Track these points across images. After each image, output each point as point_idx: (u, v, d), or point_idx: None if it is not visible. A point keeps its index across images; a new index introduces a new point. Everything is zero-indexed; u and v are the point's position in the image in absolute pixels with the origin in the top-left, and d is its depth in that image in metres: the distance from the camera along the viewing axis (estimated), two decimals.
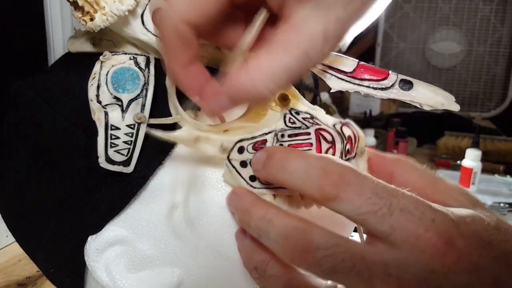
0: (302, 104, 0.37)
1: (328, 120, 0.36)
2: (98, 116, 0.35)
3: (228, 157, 0.34)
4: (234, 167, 0.34)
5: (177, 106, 0.35)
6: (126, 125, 0.35)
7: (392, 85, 0.37)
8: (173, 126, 0.35)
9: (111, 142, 0.34)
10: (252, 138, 0.34)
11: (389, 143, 1.51)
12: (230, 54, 0.33)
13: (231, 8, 0.31)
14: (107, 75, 0.35)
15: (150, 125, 0.35)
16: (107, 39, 0.39)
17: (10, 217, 0.43)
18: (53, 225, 0.38)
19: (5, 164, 0.41)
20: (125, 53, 0.37)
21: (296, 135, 0.34)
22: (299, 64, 0.29)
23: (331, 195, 0.29)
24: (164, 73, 0.35)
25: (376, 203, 0.28)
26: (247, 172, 0.34)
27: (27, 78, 0.40)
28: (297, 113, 0.35)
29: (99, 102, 0.35)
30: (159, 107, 0.35)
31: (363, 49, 1.98)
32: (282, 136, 0.34)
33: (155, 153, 0.36)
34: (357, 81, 0.38)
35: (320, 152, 0.34)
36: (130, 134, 0.35)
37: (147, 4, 0.36)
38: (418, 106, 0.37)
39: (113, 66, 0.36)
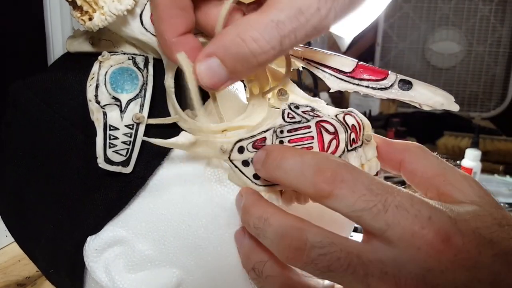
0: (302, 98, 0.37)
1: (329, 111, 0.36)
2: (96, 117, 0.35)
3: (229, 158, 0.34)
4: (236, 167, 0.34)
5: (176, 106, 0.35)
6: (125, 126, 0.35)
7: (392, 85, 0.37)
8: (172, 126, 0.35)
9: (109, 143, 0.34)
10: (251, 137, 0.34)
11: None
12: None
13: None
14: (105, 75, 0.35)
15: (149, 125, 0.35)
16: (105, 38, 0.39)
17: (9, 218, 0.43)
18: (52, 226, 0.38)
19: (4, 164, 0.41)
20: (124, 53, 0.37)
21: (296, 129, 0.34)
22: (292, 21, 0.28)
23: (325, 192, 0.29)
24: (163, 73, 0.35)
25: (371, 200, 0.28)
26: (250, 171, 0.34)
27: (26, 78, 0.40)
28: (297, 107, 0.35)
29: (98, 102, 0.35)
30: (158, 107, 0.35)
31: (363, 49, 1.98)
32: (281, 132, 0.34)
33: (154, 153, 0.36)
34: (356, 81, 0.38)
35: (323, 144, 0.34)
36: (129, 135, 0.35)
37: (146, 4, 0.36)
38: (418, 106, 0.37)
39: (111, 66, 0.36)
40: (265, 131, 0.34)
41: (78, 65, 0.38)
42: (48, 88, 0.38)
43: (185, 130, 0.35)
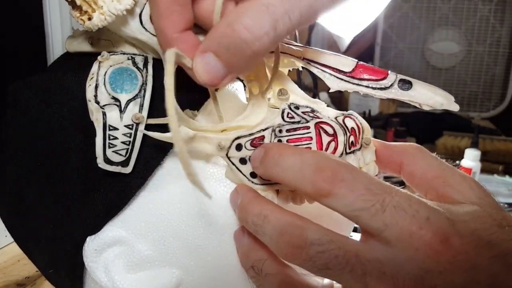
0: (302, 98, 0.37)
1: (329, 113, 0.36)
2: (96, 117, 0.35)
3: (227, 155, 0.34)
4: (234, 164, 0.34)
5: (176, 106, 0.35)
6: (124, 126, 0.35)
7: (391, 85, 0.37)
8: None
9: (109, 143, 0.34)
10: (250, 135, 0.34)
11: None
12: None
13: None
14: (105, 75, 0.35)
15: (148, 125, 0.35)
16: (105, 38, 0.39)
17: (9, 217, 0.43)
18: (52, 226, 0.38)
19: (4, 164, 0.41)
20: (123, 53, 0.37)
21: (295, 129, 0.34)
22: (283, 2, 0.28)
23: (325, 191, 0.29)
24: (162, 73, 0.35)
25: (369, 199, 0.28)
26: (247, 169, 0.34)
27: (26, 78, 0.40)
28: (297, 107, 0.35)
29: (97, 102, 0.35)
30: (158, 107, 0.35)
31: (362, 49, 1.98)
32: (280, 131, 0.34)
33: (154, 153, 0.35)
34: (356, 81, 0.38)
35: (321, 146, 0.34)
36: (129, 135, 0.34)
37: (145, 4, 0.36)
38: (417, 106, 0.37)
39: (111, 66, 0.36)
40: (263, 130, 0.34)
41: (78, 65, 0.38)
42: (47, 88, 0.38)
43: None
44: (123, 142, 0.34)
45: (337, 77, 0.38)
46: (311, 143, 0.34)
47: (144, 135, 0.35)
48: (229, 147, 0.34)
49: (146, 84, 0.36)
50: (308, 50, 0.39)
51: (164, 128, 0.35)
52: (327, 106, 0.38)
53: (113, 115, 0.35)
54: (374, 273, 0.28)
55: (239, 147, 0.34)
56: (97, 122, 0.35)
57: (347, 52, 1.44)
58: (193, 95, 0.37)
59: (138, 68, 0.36)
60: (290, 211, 0.31)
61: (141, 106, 0.35)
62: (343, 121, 0.35)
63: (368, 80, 0.38)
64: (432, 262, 0.27)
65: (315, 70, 0.38)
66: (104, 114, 0.35)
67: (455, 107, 0.37)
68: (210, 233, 0.35)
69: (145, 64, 0.36)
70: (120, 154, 0.34)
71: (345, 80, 0.38)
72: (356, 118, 0.37)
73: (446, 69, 1.95)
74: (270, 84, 0.37)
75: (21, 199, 0.40)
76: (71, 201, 0.37)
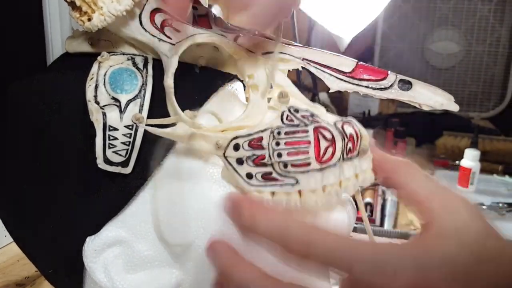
0: (302, 102, 0.37)
1: (329, 118, 0.36)
2: (96, 117, 0.35)
3: (224, 154, 0.34)
4: (230, 164, 0.34)
5: (175, 106, 0.34)
6: (124, 126, 0.35)
7: (391, 85, 0.37)
8: (172, 127, 0.35)
9: (109, 143, 0.34)
10: (248, 135, 0.34)
11: (387, 143, 1.50)
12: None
13: None
14: (105, 75, 0.35)
15: (148, 126, 0.35)
16: (105, 39, 0.39)
17: (8, 218, 0.43)
18: (52, 226, 0.38)
19: (3, 164, 0.41)
20: (123, 54, 0.37)
21: (294, 132, 0.34)
22: None
23: (295, 263, 0.30)
24: (162, 74, 0.35)
25: (336, 267, 0.29)
26: (243, 169, 0.34)
27: (25, 78, 0.40)
28: (296, 110, 0.35)
29: (97, 102, 0.35)
30: (157, 107, 0.35)
31: (362, 49, 1.98)
32: (279, 133, 0.34)
33: (154, 154, 0.35)
34: (356, 81, 0.38)
35: (319, 150, 0.34)
36: (128, 135, 0.34)
37: (145, 4, 0.36)
38: (417, 106, 0.37)
39: (111, 66, 0.36)
40: (262, 131, 0.34)
41: (78, 65, 0.38)
42: (47, 88, 0.38)
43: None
44: (123, 143, 0.34)
45: (337, 77, 0.38)
46: (308, 147, 0.33)
47: (144, 136, 0.35)
48: (227, 146, 0.34)
49: (146, 84, 0.36)
50: (308, 50, 0.39)
51: (164, 128, 0.35)
52: (327, 106, 0.38)
53: (113, 116, 0.35)
54: None
55: (236, 147, 0.34)
56: (97, 123, 0.34)
57: (347, 52, 1.44)
58: (193, 95, 0.37)
59: (138, 68, 0.36)
60: (272, 277, 0.31)
61: (141, 106, 0.35)
62: (342, 127, 0.35)
63: (368, 80, 0.38)
64: None
65: (314, 70, 0.38)
66: (104, 114, 0.35)
67: (455, 107, 0.37)
68: (210, 234, 0.35)
69: (145, 65, 0.36)
70: (120, 155, 0.34)
71: (345, 80, 0.38)
72: (355, 124, 0.36)
73: (446, 69, 1.95)
74: (269, 84, 0.37)
75: (21, 199, 0.40)
76: (71, 202, 0.37)
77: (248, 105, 0.37)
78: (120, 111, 0.35)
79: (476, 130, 1.44)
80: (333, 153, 0.34)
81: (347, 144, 0.35)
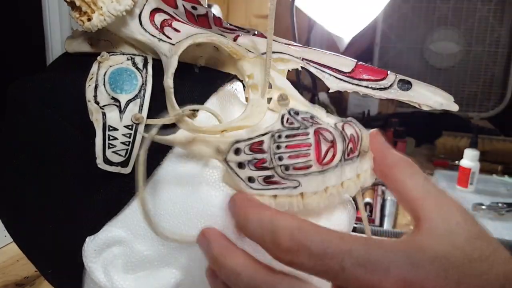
0: (302, 104, 0.37)
1: (329, 119, 0.36)
2: (96, 117, 0.35)
3: (225, 159, 0.34)
4: (232, 168, 0.34)
5: (175, 106, 0.35)
6: (124, 126, 0.35)
7: (391, 85, 0.37)
8: (171, 127, 0.35)
9: (109, 143, 0.34)
10: (249, 139, 0.34)
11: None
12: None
13: None
14: (104, 75, 0.35)
15: (148, 126, 0.35)
16: (104, 39, 0.39)
17: (8, 217, 0.43)
18: (51, 226, 0.38)
19: (3, 164, 0.41)
20: (123, 54, 0.37)
21: (294, 135, 0.34)
22: None
23: (286, 261, 0.29)
24: (162, 74, 0.35)
25: (327, 264, 0.28)
26: (244, 173, 0.34)
27: (25, 78, 0.40)
28: (296, 113, 0.35)
29: (97, 102, 0.35)
30: (157, 107, 0.35)
31: (362, 49, 1.98)
32: (279, 137, 0.34)
33: (153, 153, 0.35)
34: (355, 81, 0.38)
35: (320, 153, 0.34)
36: (128, 135, 0.34)
37: (144, 4, 0.36)
38: (417, 106, 0.37)
39: (110, 66, 0.36)
40: (263, 135, 0.34)
41: (77, 65, 0.38)
42: (47, 88, 0.38)
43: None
44: (123, 143, 0.34)
45: (336, 77, 0.38)
46: (309, 150, 0.33)
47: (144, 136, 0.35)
48: (228, 151, 0.34)
49: (145, 84, 0.36)
50: (308, 50, 0.39)
51: (164, 128, 0.35)
52: (327, 106, 0.38)
53: (112, 116, 0.35)
54: None
55: (237, 151, 0.34)
56: (96, 123, 0.35)
57: (346, 52, 1.44)
58: (193, 95, 0.37)
59: (137, 68, 0.36)
60: (263, 265, 0.31)
61: (141, 106, 0.35)
62: (343, 128, 0.35)
63: (367, 80, 0.38)
64: None
65: (314, 70, 0.38)
66: (103, 114, 0.35)
67: (454, 107, 0.37)
68: None
69: (145, 65, 0.36)
70: (120, 155, 0.34)
71: (345, 80, 0.38)
72: (356, 125, 0.36)
73: (445, 69, 1.95)
74: (267, 83, 0.37)
75: (20, 199, 0.40)
76: (71, 201, 0.37)
77: (247, 105, 0.37)
78: (120, 111, 0.35)
79: (475, 130, 1.44)
80: (334, 155, 0.34)
81: (348, 145, 0.35)
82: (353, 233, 0.32)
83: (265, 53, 0.36)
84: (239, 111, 0.37)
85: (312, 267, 0.29)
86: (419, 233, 0.31)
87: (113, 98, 0.35)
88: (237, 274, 0.31)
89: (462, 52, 1.93)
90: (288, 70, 0.41)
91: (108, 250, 0.36)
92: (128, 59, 0.36)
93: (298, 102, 0.37)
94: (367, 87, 0.38)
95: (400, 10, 1.96)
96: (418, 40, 1.98)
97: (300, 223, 0.30)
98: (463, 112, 1.90)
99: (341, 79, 0.38)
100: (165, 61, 0.36)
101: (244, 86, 0.42)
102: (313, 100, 1.61)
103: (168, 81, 0.34)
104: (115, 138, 0.34)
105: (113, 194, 0.36)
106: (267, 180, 0.34)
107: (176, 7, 0.41)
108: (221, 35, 0.38)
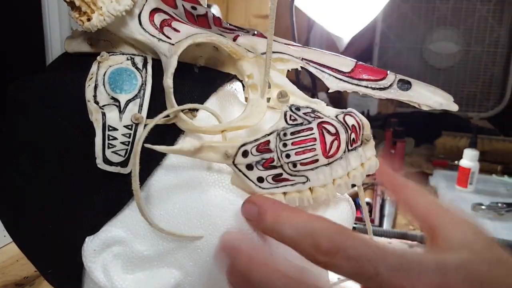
0: (302, 99, 0.37)
1: (330, 112, 0.37)
2: (95, 117, 0.35)
3: (233, 162, 0.34)
4: (240, 170, 0.34)
5: (175, 106, 0.35)
6: (124, 126, 0.35)
7: (391, 85, 0.37)
8: (171, 127, 0.35)
9: (108, 143, 0.34)
10: (255, 140, 0.34)
11: (386, 143, 1.50)
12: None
13: None
14: (104, 75, 0.35)
15: (147, 126, 0.35)
16: (104, 39, 0.39)
17: (8, 217, 0.43)
18: (51, 226, 0.38)
19: (3, 164, 0.41)
20: (123, 54, 0.37)
21: (299, 132, 0.34)
22: None
23: (322, 263, 0.30)
24: (161, 74, 0.35)
25: (363, 267, 0.29)
26: (254, 174, 0.34)
27: (25, 78, 0.40)
28: (298, 109, 0.35)
29: (97, 102, 0.35)
30: (157, 107, 0.35)
31: (361, 49, 1.98)
32: (285, 135, 0.34)
33: (153, 153, 0.35)
34: (355, 81, 0.38)
35: (325, 145, 0.34)
36: (128, 135, 0.34)
37: (144, 4, 0.36)
38: (417, 106, 0.37)
39: (110, 66, 0.36)
40: (268, 134, 0.34)
41: (77, 65, 0.38)
42: (46, 88, 0.38)
43: (184, 131, 0.35)
44: (122, 143, 0.34)
45: (336, 77, 0.38)
46: (315, 144, 0.34)
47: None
48: (235, 154, 0.34)
49: (145, 84, 0.36)
50: (307, 50, 0.39)
51: (164, 128, 0.35)
52: (326, 105, 0.38)
53: (112, 116, 0.35)
54: None
55: (245, 154, 0.34)
56: (96, 123, 0.35)
57: (346, 52, 1.44)
58: (193, 95, 0.37)
59: (137, 68, 0.36)
60: (288, 276, 0.32)
61: (141, 106, 0.35)
62: (344, 119, 0.36)
63: (367, 80, 0.38)
64: None
65: (314, 70, 0.38)
66: (103, 114, 0.35)
67: (454, 107, 0.37)
68: (209, 234, 0.35)
69: (145, 65, 0.36)
70: (119, 155, 0.34)
71: (344, 80, 0.38)
72: (356, 115, 0.37)
73: (445, 69, 1.95)
74: (266, 83, 0.37)
75: (20, 199, 0.40)
76: (70, 201, 0.37)
77: (247, 105, 0.37)
78: (120, 111, 0.35)
79: (475, 130, 1.44)
80: (338, 146, 0.35)
81: (350, 135, 0.36)
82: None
83: (264, 53, 0.36)
84: (239, 111, 0.37)
85: (348, 270, 0.29)
86: (438, 245, 0.32)
87: (112, 98, 0.35)
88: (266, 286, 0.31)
89: (461, 52, 1.93)
90: (288, 70, 0.41)
91: (107, 250, 0.36)
92: (127, 59, 0.36)
93: (297, 97, 0.37)
94: (366, 87, 0.38)
95: (399, 10, 1.96)
96: (418, 40, 1.98)
97: (337, 226, 0.31)
98: (462, 112, 1.90)
99: (340, 79, 0.38)
100: (165, 61, 0.36)
101: (243, 86, 0.42)
102: None
103: (168, 81, 0.34)
104: (115, 138, 0.34)
105: (113, 194, 0.36)
106: (276, 178, 0.34)
107: (175, 7, 0.41)
108: (221, 35, 0.38)
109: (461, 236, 0.32)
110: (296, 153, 0.34)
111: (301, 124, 0.34)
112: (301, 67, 0.39)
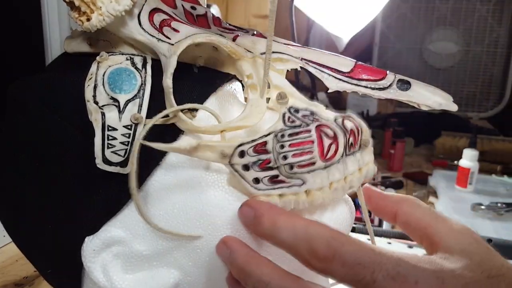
0: (301, 101, 0.37)
1: (328, 115, 0.36)
2: (95, 117, 0.35)
3: (230, 162, 0.34)
4: (237, 171, 0.34)
5: (174, 106, 0.35)
6: (123, 126, 0.35)
7: (390, 85, 0.37)
8: (171, 127, 0.35)
9: (108, 143, 0.34)
10: (252, 141, 0.34)
11: (386, 143, 1.51)
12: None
13: None
14: (103, 75, 0.35)
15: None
16: (103, 39, 0.39)
17: (7, 217, 0.43)
18: (50, 226, 0.38)
19: (3, 164, 0.41)
20: (122, 54, 0.37)
21: (297, 134, 0.34)
22: None
23: (318, 268, 0.30)
24: (161, 74, 0.35)
25: (359, 273, 0.29)
26: (250, 175, 0.34)
27: (24, 78, 0.40)
28: (297, 111, 0.35)
29: (96, 102, 0.35)
30: (156, 107, 0.35)
31: (361, 49, 1.99)
32: (282, 136, 0.34)
33: (152, 153, 0.35)
34: (354, 81, 0.38)
35: (323, 149, 0.34)
36: (127, 135, 0.34)
37: (143, 5, 0.36)
38: (416, 106, 0.37)
39: (109, 66, 0.36)
40: (266, 135, 0.34)
41: (76, 65, 0.38)
42: (46, 88, 0.38)
43: (183, 131, 0.35)
44: (122, 143, 0.34)
45: (335, 77, 0.38)
46: (312, 147, 0.34)
47: (143, 136, 0.34)
48: (232, 154, 0.34)
49: (145, 84, 0.36)
50: (307, 50, 0.39)
51: (163, 128, 0.35)
52: (326, 106, 0.38)
53: (112, 116, 0.35)
54: None
55: (242, 154, 0.34)
56: (96, 123, 0.34)
57: (345, 52, 1.44)
58: (192, 95, 0.37)
59: (137, 68, 0.36)
60: (290, 273, 0.32)
61: (140, 106, 0.35)
62: (342, 122, 0.36)
63: (366, 80, 0.38)
64: None
65: (313, 70, 0.38)
66: (103, 114, 0.35)
67: (454, 107, 0.37)
68: (208, 234, 0.35)
69: (144, 65, 0.36)
70: (119, 155, 0.34)
71: (344, 80, 0.38)
72: (355, 119, 0.37)
73: (444, 69, 1.95)
74: (265, 83, 0.37)
75: (20, 199, 0.40)
76: (70, 201, 0.37)
77: (247, 105, 0.37)
78: (119, 111, 0.35)
79: (474, 130, 1.44)
80: (336, 150, 0.34)
81: (348, 139, 0.35)
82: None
83: (264, 53, 0.36)
84: (238, 111, 0.37)
85: (344, 275, 0.30)
86: (437, 255, 0.32)
87: (112, 98, 0.35)
88: (266, 283, 0.32)
89: (461, 52, 1.93)
90: (287, 70, 0.41)
91: (107, 250, 0.36)
92: (127, 59, 0.36)
93: (296, 99, 0.37)
94: (366, 87, 0.38)
95: (399, 10, 1.96)
96: (417, 40, 1.98)
97: (334, 232, 0.31)
98: (462, 112, 1.91)
99: (340, 79, 0.38)
100: (164, 61, 0.36)
101: (243, 86, 0.42)
102: (312, 100, 1.60)
103: (167, 81, 0.34)
104: (114, 138, 0.34)
105: (112, 194, 0.36)
106: (273, 180, 0.34)
107: (175, 7, 0.41)
108: (220, 35, 0.38)
109: (460, 246, 0.33)
110: (293, 155, 0.34)
111: (299, 126, 0.34)
112: (301, 67, 0.39)
